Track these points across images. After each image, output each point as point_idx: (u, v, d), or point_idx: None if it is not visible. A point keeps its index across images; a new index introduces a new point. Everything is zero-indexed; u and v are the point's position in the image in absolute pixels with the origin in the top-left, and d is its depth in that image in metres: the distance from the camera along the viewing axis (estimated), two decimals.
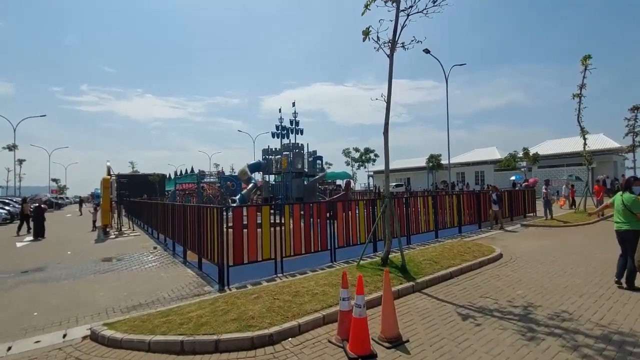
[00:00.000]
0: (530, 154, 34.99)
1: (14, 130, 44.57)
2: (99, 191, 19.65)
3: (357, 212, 8.83)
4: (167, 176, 47.94)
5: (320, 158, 24.19)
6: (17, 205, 26.80)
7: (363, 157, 54.81)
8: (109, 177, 16.79)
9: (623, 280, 5.57)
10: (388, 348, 3.80)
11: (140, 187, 34.05)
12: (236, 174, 30.21)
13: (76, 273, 8.09)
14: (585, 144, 16.56)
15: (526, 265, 7.33)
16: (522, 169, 38.39)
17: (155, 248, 11.00)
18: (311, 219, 7.87)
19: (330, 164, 56.95)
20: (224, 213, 6.93)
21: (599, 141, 35.89)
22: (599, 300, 5.06)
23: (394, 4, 6.49)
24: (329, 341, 4.01)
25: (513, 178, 33.69)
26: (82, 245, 12.41)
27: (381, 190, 30.38)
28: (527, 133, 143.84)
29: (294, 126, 22.07)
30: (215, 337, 3.95)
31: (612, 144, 34.95)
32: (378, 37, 6.74)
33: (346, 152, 57.53)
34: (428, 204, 10.89)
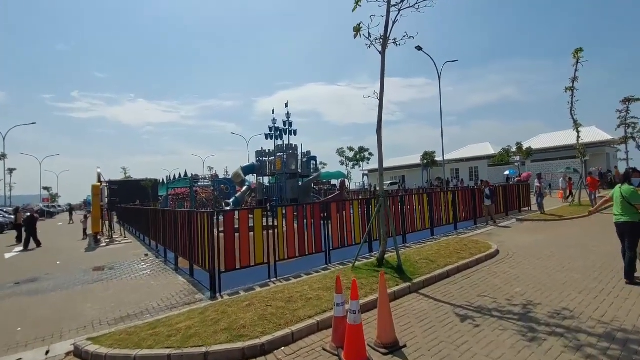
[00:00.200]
0: (524, 148, 35.12)
1: (4, 139, 43.91)
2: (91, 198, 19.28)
3: (351, 212, 8.68)
4: (160, 181, 47.30)
5: (315, 158, 24.05)
6: (7, 216, 26.34)
7: (357, 156, 54.67)
8: (99, 183, 16.47)
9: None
10: (385, 354, 3.65)
11: (133, 193, 33.70)
12: (230, 177, 29.91)
13: (64, 284, 7.84)
14: (578, 136, 16.56)
15: (523, 261, 7.23)
16: (516, 164, 38.53)
17: (146, 255, 10.76)
18: (305, 220, 7.71)
19: (325, 164, 56.79)
20: (215, 217, 6.76)
21: (591, 134, 36.12)
22: (599, 296, 4.96)
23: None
24: (324, 349, 3.85)
25: (507, 173, 33.78)
26: (71, 255, 12.12)
27: (377, 188, 30.26)
28: (520, 128, 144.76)
29: (287, 127, 21.90)
30: (204, 349, 3.77)
31: (604, 136, 35.18)
32: (369, 34, 6.60)
33: (340, 152, 57.41)
34: (423, 202, 10.78)
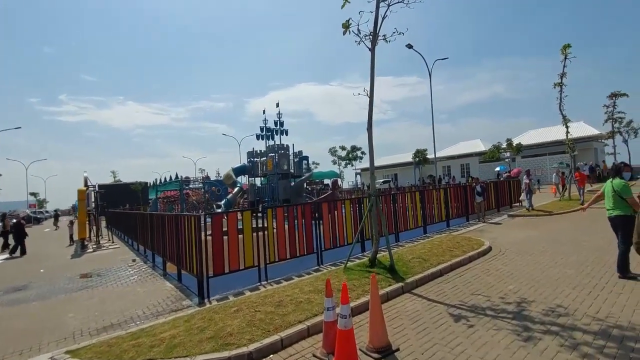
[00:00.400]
0: (514, 144, 35.41)
1: None
2: None
3: (343, 212, 8.55)
4: (150, 184, 46.52)
5: (307, 158, 23.84)
6: None
7: (350, 155, 54.65)
8: (84, 188, 16.07)
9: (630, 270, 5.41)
10: (377, 359, 3.52)
11: (123, 196, 33.10)
12: (221, 178, 29.55)
13: (47, 293, 7.57)
14: (567, 132, 16.67)
15: (516, 257, 7.18)
16: (506, 160, 38.85)
17: (134, 261, 10.48)
18: (296, 221, 7.55)
19: (317, 164, 56.70)
20: (202, 220, 6.56)
21: (579, 129, 36.51)
22: (593, 292, 4.90)
23: None
24: (314, 355, 3.71)
25: (497, 169, 34.02)
26: (57, 262, 11.77)
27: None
28: (510, 124, 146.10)
29: (278, 127, 21.66)
30: (188, 359, 3.60)
31: (592, 131, 35.60)
32: (359, 30, 6.46)
33: (333, 151, 57.34)
34: (415, 200, 10.70)
